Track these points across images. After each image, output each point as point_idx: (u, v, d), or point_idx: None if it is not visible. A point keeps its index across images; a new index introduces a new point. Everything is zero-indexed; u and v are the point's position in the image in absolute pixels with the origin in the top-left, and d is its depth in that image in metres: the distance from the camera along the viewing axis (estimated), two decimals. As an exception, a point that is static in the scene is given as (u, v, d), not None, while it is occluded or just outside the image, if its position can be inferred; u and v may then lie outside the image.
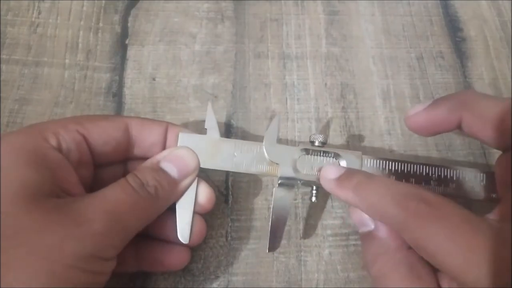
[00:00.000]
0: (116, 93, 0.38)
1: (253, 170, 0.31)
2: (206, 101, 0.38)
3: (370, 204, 0.27)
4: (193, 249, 0.32)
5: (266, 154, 0.31)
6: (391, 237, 0.28)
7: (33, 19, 0.41)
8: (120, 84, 0.39)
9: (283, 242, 0.33)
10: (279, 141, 0.30)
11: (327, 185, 0.30)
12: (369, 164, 0.31)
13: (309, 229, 0.34)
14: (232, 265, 0.32)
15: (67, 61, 0.40)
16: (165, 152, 0.30)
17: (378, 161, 0.31)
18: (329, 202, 0.35)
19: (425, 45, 0.42)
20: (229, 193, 0.35)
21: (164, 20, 0.42)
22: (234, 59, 0.40)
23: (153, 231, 0.30)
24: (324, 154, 0.31)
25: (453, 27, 0.44)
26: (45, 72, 0.39)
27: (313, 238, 0.33)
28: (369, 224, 0.29)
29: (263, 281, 0.32)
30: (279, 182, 0.31)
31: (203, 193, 0.30)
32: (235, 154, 0.31)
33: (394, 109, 0.39)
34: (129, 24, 0.42)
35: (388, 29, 0.43)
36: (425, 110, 0.30)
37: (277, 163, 0.31)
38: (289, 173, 0.31)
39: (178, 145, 0.31)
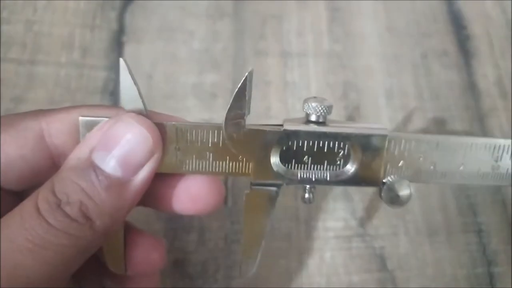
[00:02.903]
0: (113, 92, 0.38)
1: (207, 169, 0.21)
2: (206, 100, 0.37)
3: None
4: (192, 251, 0.31)
5: (228, 142, 0.21)
6: None
7: (29, 17, 0.41)
8: (117, 83, 0.38)
9: (284, 244, 0.32)
10: (251, 118, 0.21)
11: None
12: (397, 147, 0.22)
13: (310, 232, 0.33)
14: (231, 268, 0.32)
15: (63, 59, 0.39)
16: (95, 132, 0.19)
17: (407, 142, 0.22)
18: (331, 203, 0.34)
19: (429, 43, 0.42)
20: (229, 194, 0.34)
21: (161, 17, 0.41)
22: (234, 57, 0.40)
23: None
24: (326, 138, 0.21)
25: (457, 25, 0.43)
26: (40, 70, 0.38)
27: (314, 241, 0.33)
28: None
29: (263, 284, 0.31)
30: (252, 184, 0.22)
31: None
32: (178, 147, 0.21)
33: (397, 108, 0.38)
34: (126, 21, 0.41)
35: (392, 26, 0.42)
36: None
37: (248, 157, 0.21)
38: (268, 171, 0.21)
39: (80, 138, 0.20)
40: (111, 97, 0.37)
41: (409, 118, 0.38)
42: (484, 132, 0.37)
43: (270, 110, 0.37)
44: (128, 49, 0.40)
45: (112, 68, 0.39)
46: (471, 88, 0.40)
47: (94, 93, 0.37)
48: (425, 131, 0.37)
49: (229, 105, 0.20)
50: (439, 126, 0.38)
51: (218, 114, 0.37)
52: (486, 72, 0.41)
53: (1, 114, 0.36)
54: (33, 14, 0.41)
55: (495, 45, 0.42)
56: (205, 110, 0.37)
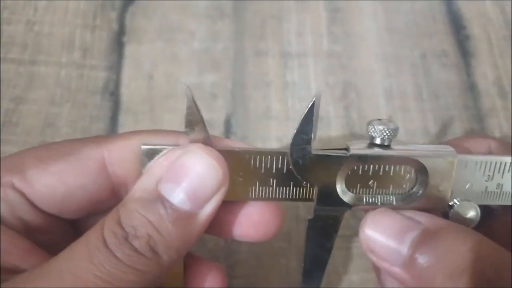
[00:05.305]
0: (113, 92, 0.38)
1: (270, 195, 0.21)
2: (206, 101, 0.37)
3: None
4: (192, 250, 0.31)
5: (294, 169, 0.20)
6: None
7: (29, 17, 0.41)
8: (117, 83, 0.38)
9: (284, 244, 0.32)
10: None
11: (378, 261, 0.19)
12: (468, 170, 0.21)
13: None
14: (232, 268, 0.32)
15: (63, 59, 0.39)
16: (161, 162, 0.19)
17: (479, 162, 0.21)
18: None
19: (428, 43, 0.42)
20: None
21: (162, 17, 0.41)
22: (234, 57, 0.40)
23: None
24: (393, 162, 0.21)
25: (456, 25, 0.43)
26: (41, 70, 0.38)
27: (314, 240, 0.33)
28: None
29: (263, 284, 0.31)
30: (315, 209, 0.22)
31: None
32: (242, 173, 0.20)
33: (397, 108, 0.38)
34: (126, 22, 0.41)
35: (391, 27, 0.42)
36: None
37: (313, 182, 0.21)
38: (333, 196, 0.21)
39: (142, 167, 0.19)
40: (111, 97, 0.37)
41: (409, 118, 0.38)
42: (484, 132, 0.38)
43: (270, 110, 0.38)
44: (128, 49, 0.40)
45: (112, 68, 0.39)
46: (471, 88, 0.40)
47: (94, 93, 0.38)
48: (425, 131, 0.37)
49: (295, 130, 0.19)
50: (439, 126, 0.38)
51: (218, 114, 0.37)
52: (485, 72, 0.41)
53: (2, 115, 0.36)
54: (33, 14, 0.41)
55: (494, 45, 0.42)
56: (205, 110, 0.37)
